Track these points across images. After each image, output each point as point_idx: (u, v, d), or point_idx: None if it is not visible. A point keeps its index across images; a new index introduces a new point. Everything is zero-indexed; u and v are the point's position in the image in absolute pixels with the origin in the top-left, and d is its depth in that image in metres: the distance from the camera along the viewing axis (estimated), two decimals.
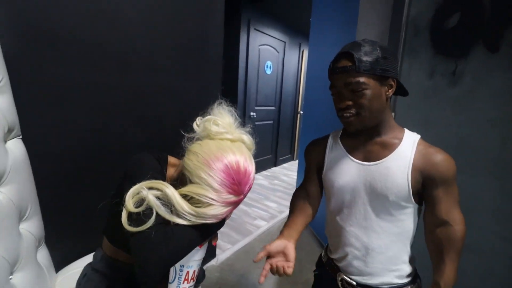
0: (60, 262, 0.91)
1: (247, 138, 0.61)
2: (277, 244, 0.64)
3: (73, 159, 0.96)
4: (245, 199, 2.82)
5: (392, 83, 0.63)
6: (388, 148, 0.67)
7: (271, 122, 3.89)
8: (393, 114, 1.24)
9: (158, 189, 0.49)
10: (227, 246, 1.92)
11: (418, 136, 0.67)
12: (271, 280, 1.60)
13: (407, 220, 0.67)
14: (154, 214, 0.47)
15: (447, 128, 1.11)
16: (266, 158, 3.93)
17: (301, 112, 4.22)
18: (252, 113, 3.42)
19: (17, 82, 0.77)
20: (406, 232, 0.68)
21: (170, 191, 0.48)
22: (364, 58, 0.59)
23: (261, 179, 3.59)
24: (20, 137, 0.77)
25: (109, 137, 1.05)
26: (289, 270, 0.61)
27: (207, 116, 0.62)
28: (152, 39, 1.14)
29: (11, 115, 0.71)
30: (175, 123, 1.28)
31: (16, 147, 0.74)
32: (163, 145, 1.24)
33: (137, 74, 1.11)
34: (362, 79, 0.59)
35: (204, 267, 1.65)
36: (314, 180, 0.82)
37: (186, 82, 1.32)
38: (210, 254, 1.73)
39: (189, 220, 0.49)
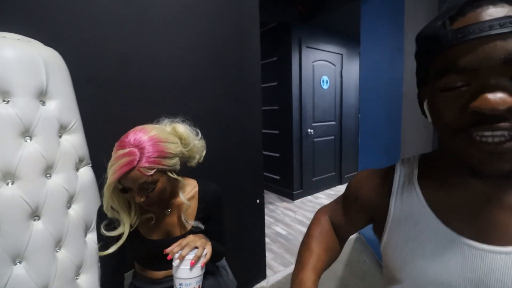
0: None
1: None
2: None
3: None
4: (304, 219, 2.73)
5: None
6: None
7: (332, 137, 3.72)
8: None
9: None
10: (280, 268, 1.88)
11: None
12: None
13: None
14: None
15: None
16: (328, 176, 3.73)
17: None
18: (309, 130, 3.36)
19: (89, 121, 1.00)
20: None
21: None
22: None
23: (323, 198, 3.41)
24: (90, 165, 0.99)
25: None
26: None
27: None
28: (194, 71, 1.30)
29: (81, 149, 0.93)
30: (224, 145, 1.43)
31: (85, 173, 0.94)
32: (209, 168, 1.37)
33: (186, 104, 1.29)
34: None
35: None
36: (351, 220, 0.56)
37: (228, 107, 1.44)
38: (261, 274, 1.73)
39: None
